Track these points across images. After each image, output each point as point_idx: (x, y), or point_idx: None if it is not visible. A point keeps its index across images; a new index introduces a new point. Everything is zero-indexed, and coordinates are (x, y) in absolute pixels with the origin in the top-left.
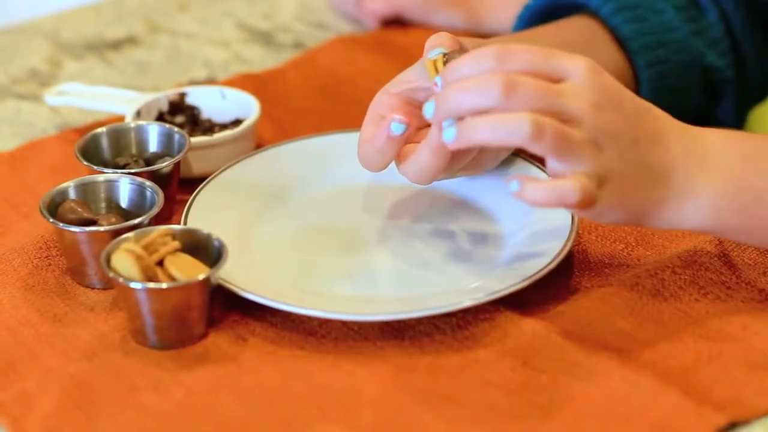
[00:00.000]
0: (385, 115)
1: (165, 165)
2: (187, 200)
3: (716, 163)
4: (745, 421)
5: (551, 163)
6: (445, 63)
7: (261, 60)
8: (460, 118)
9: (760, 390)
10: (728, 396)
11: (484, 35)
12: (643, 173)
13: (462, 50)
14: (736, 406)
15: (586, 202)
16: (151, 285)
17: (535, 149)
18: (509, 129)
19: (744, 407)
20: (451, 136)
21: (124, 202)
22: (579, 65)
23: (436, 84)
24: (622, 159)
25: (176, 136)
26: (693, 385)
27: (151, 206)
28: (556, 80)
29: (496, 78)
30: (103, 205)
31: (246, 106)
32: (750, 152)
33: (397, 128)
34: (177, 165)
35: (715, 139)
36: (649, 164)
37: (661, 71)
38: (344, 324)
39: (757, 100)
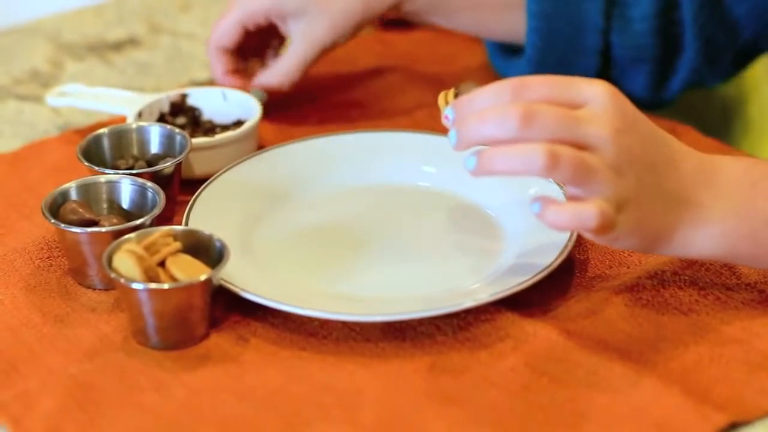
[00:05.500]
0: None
1: (166, 166)
2: (188, 201)
3: (726, 190)
4: (746, 422)
5: (570, 188)
6: (455, 96)
7: None
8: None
9: (761, 390)
10: (729, 396)
11: None
12: (659, 199)
13: (476, 86)
14: (736, 407)
15: (606, 227)
16: (153, 286)
17: (553, 178)
18: (524, 160)
19: (745, 407)
20: (471, 166)
21: (125, 203)
22: (597, 90)
23: (446, 117)
24: (641, 184)
25: (177, 137)
26: (694, 386)
27: (153, 207)
28: (576, 106)
29: (513, 109)
30: (105, 206)
31: (247, 107)
32: (760, 178)
33: None
34: (178, 166)
35: (725, 164)
36: (665, 190)
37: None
38: (345, 325)
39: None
